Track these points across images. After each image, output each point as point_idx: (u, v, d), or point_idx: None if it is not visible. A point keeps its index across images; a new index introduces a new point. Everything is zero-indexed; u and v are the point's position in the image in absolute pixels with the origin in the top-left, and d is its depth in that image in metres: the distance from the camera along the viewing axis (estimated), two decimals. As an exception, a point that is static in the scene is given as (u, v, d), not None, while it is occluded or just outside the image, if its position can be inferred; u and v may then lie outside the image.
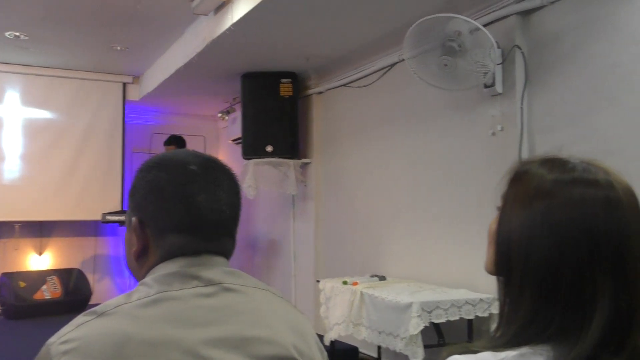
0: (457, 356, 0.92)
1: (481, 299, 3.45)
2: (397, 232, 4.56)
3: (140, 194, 1.14)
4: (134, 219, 1.14)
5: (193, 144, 7.03)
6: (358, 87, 4.99)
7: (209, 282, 1.08)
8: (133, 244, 1.15)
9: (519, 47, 3.45)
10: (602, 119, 3.02)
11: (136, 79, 6.88)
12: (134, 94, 6.90)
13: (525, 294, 0.94)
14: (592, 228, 0.90)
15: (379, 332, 3.49)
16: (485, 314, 3.45)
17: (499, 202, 1.03)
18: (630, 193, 0.96)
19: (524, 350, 0.91)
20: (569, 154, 1.01)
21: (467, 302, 3.42)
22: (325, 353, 1.18)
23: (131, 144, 7.17)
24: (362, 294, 3.70)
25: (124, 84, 6.89)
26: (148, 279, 1.08)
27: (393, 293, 3.55)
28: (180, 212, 1.10)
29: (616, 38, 2.98)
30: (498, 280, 1.01)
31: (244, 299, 1.10)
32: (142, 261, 1.15)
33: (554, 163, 0.99)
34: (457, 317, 3.39)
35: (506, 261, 0.98)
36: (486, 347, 0.94)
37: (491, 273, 1.03)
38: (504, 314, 0.98)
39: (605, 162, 1.00)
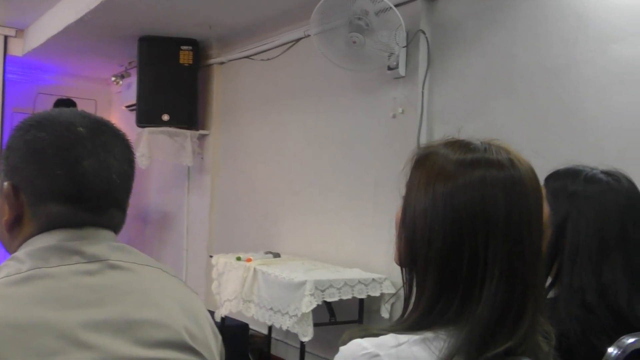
0: (359, 340, 0.90)
1: (374, 279, 3.50)
2: (294, 210, 4.54)
3: (16, 155, 1.00)
4: (5, 183, 1.00)
5: (83, 108, 6.60)
6: (261, 60, 4.87)
7: (93, 259, 0.97)
8: (4, 212, 1.01)
9: (423, 32, 3.49)
10: (499, 108, 3.12)
11: (20, 32, 6.33)
12: (17, 49, 6.35)
13: (428, 279, 0.93)
14: (491, 210, 0.89)
15: (268, 309, 3.46)
16: (377, 294, 3.50)
17: (403, 191, 1.00)
18: (531, 173, 0.95)
19: (427, 334, 0.89)
20: (469, 137, 1.00)
21: (360, 282, 3.45)
22: (220, 337, 1.10)
23: (12, 103, 6.62)
24: (255, 270, 3.65)
25: (5, 37, 6.33)
26: (20, 252, 0.95)
27: (287, 270, 3.53)
28: (62, 178, 0.98)
29: (514, 29, 3.07)
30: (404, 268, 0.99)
31: (132, 278, 0.99)
32: (14, 232, 1.01)
33: (456, 145, 0.97)
34: (349, 296, 3.42)
35: (412, 248, 0.96)
36: (389, 331, 0.92)
37: (401, 265, 1.00)
38: (409, 300, 0.96)
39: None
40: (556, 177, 1.40)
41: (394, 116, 3.67)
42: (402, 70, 3.57)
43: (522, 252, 0.91)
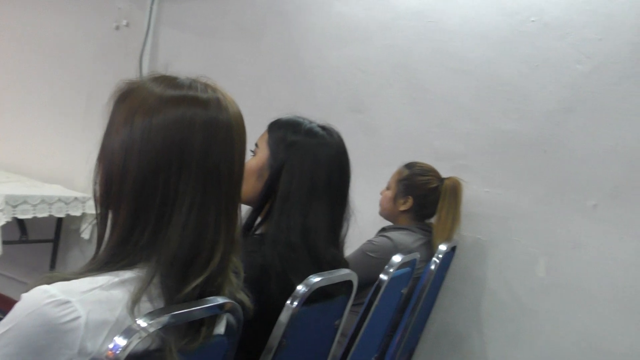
0: (45, 286, 0.80)
1: (76, 198, 3.29)
2: (-11, 113, 3.98)
3: None
4: None
5: None
6: None
7: None
8: None
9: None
10: (227, 42, 3.12)
11: None
12: None
13: (122, 212, 0.90)
14: (188, 146, 0.89)
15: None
16: (78, 213, 3.31)
17: (105, 125, 0.94)
18: (239, 117, 0.97)
19: (126, 275, 0.86)
20: (180, 73, 0.98)
21: (60, 200, 3.21)
22: None
23: None
24: None
25: None
26: None
27: (-27, 181, 3.11)
28: None
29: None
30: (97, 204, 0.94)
31: None
32: None
33: (161, 80, 0.95)
34: (46, 214, 3.16)
35: (108, 183, 0.92)
36: (83, 274, 0.86)
37: (96, 201, 0.95)
38: (102, 237, 0.92)
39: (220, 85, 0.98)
40: (279, 125, 1.47)
41: (117, 28, 3.42)
42: (131, -21, 3.32)
43: (219, 188, 0.92)
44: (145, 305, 0.85)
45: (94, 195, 0.95)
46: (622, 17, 2.23)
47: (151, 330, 0.80)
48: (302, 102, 2.84)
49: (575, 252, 2.30)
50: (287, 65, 2.94)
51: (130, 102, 0.92)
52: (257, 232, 1.41)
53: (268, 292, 1.25)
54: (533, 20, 2.39)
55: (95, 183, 0.94)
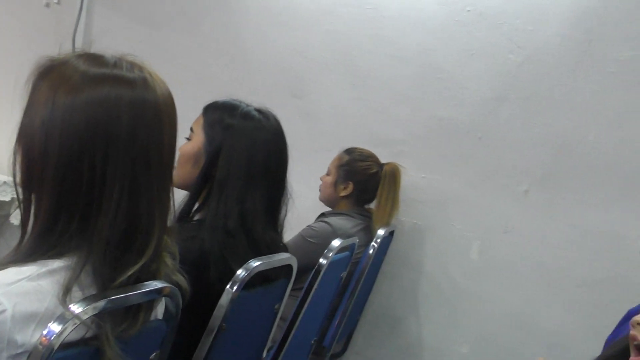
0: None
1: (5, 182, 3.16)
2: None
3: None
4: None
5: None
6: None
7: None
8: None
9: None
10: (165, 29, 3.05)
11: None
12: None
13: (44, 198, 0.86)
14: (113, 128, 0.86)
15: None
16: (7, 198, 3.18)
17: (24, 104, 0.90)
18: (168, 97, 0.94)
19: (55, 264, 0.82)
20: (107, 51, 0.94)
21: (-13, 185, 3.08)
22: None
23: None
24: None
25: None
26: None
27: None
28: None
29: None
30: (19, 189, 0.90)
31: None
32: None
33: (86, 57, 0.91)
34: (-28, 200, 3.02)
35: (29, 165, 0.87)
36: (7, 264, 0.82)
37: (17, 185, 0.90)
38: (27, 225, 0.88)
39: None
40: (215, 108, 1.44)
41: (48, 5, 3.29)
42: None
43: (149, 172, 0.89)
44: (77, 295, 0.83)
45: (14, 179, 0.90)
46: (553, 9, 2.31)
47: (87, 316, 0.79)
48: (243, 86, 2.81)
49: (506, 236, 2.38)
50: (228, 49, 2.90)
51: (52, 79, 0.88)
52: (195, 218, 1.39)
53: (207, 278, 1.25)
54: (469, 10, 2.45)
55: (14, 166, 0.89)
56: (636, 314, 1.06)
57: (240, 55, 2.88)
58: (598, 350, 1.56)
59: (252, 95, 1.55)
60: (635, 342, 1.02)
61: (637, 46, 2.20)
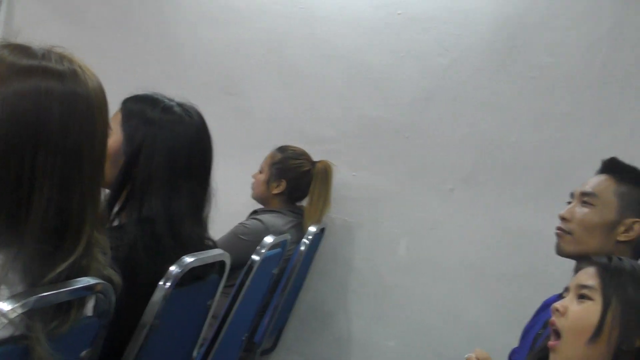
0: None
1: None
2: None
3: None
4: None
5: None
6: None
7: None
8: None
9: None
10: (90, 19, 2.96)
11: None
12: None
13: None
14: (43, 121, 0.83)
15: None
16: None
17: None
18: (100, 91, 0.92)
19: None
20: (37, 43, 0.92)
21: None
22: None
23: None
24: None
25: None
26: None
27: None
28: None
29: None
30: None
31: None
32: None
33: (13, 48, 0.88)
34: None
35: None
36: None
37: None
38: None
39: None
40: (134, 101, 1.37)
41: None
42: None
43: (81, 167, 0.87)
44: (4, 293, 0.81)
45: None
46: (479, 15, 2.42)
47: (15, 314, 0.77)
48: (174, 82, 2.76)
49: (432, 232, 2.47)
50: (158, 45, 2.86)
51: None
52: (116, 222, 1.31)
53: (136, 286, 1.19)
54: (399, 13, 2.52)
55: None
56: (551, 304, 1.15)
57: (171, 51, 2.84)
58: (516, 339, 1.65)
59: (183, 91, 1.52)
60: (554, 327, 1.10)
61: (555, 53, 2.33)
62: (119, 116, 1.36)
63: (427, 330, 2.47)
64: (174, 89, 1.54)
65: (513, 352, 1.65)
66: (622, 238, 1.48)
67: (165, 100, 1.38)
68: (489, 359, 1.27)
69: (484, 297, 2.38)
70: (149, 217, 1.26)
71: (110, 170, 1.28)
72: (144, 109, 1.34)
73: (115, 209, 1.31)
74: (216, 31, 2.78)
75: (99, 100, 0.91)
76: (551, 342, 1.09)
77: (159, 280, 1.20)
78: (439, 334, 2.45)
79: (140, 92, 1.41)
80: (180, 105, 1.38)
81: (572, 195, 1.60)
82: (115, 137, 1.31)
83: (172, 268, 1.22)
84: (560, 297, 1.56)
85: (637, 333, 1.00)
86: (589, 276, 1.08)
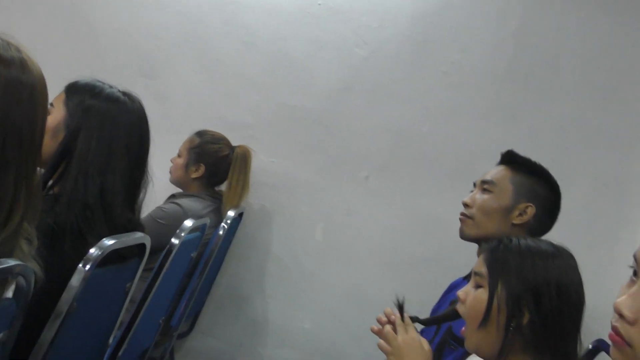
0: None
1: None
2: None
3: None
4: None
5: None
6: None
7: None
8: None
9: None
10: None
11: None
12: None
13: None
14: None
15: None
16: None
17: None
18: (42, 79, 0.94)
19: None
20: None
21: None
22: None
23: None
24: None
25: None
26: None
27: None
28: None
29: None
30: None
31: None
32: None
33: None
34: None
35: None
36: None
37: None
38: None
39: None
40: (77, 87, 1.42)
41: None
42: None
43: (20, 151, 0.89)
44: None
45: None
46: (396, 10, 2.51)
47: None
48: (90, 65, 2.69)
49: (348, 219, 2.55)
50: (74, 25, 2.76)
51: None
52: (51, 192, 1.35)
53: (60, 251, 1.22)
54: (319, 4, 2.57)
55: None
56: (456, 287, 1.24)
57: (88, 33, 2.76)
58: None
59: (100, 74, 1.52)
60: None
61: (465, 50, 2.46)
62: (63, 96, 1.41)
63: (340, 313, 2.55)
64: (91, 72, 1.54)
65: (422, 332, 1.75)
66: (517, 221, 1.63)
67: (107, 87, 1.45)
68: (395, 314, 1.34)
69: (395, 280, 2.49)
70: (84, 189, 1.31)
71: (50, 143, 1.33)
72: (86, 95, 1.40)
73: (50, 182, 1.35)
74: (134, 14, 2.72)
75: (41, 88, 0.93)
76: (462, 329, 1.17)
77: (83, 249, 1.23)
78: (351, 316, 2.54)
79: (81, 79, 1.45)
80: (122, 92, 1.46)
81: (474, 184, 1.73)
82: (57, 114, 1.38)
83: (92, 251, 1.22)
84: (465, 279, 1.68)
85: (523, 312, 1.08)
86: (480, 264, 1.17)
